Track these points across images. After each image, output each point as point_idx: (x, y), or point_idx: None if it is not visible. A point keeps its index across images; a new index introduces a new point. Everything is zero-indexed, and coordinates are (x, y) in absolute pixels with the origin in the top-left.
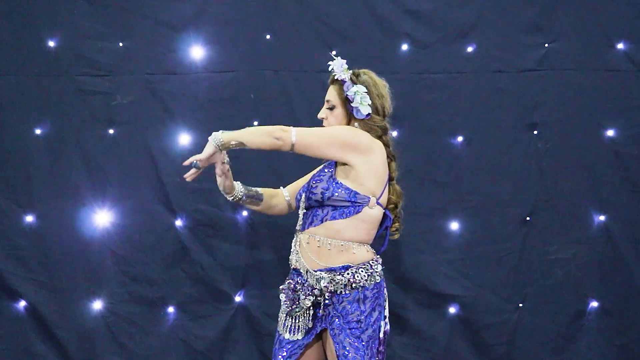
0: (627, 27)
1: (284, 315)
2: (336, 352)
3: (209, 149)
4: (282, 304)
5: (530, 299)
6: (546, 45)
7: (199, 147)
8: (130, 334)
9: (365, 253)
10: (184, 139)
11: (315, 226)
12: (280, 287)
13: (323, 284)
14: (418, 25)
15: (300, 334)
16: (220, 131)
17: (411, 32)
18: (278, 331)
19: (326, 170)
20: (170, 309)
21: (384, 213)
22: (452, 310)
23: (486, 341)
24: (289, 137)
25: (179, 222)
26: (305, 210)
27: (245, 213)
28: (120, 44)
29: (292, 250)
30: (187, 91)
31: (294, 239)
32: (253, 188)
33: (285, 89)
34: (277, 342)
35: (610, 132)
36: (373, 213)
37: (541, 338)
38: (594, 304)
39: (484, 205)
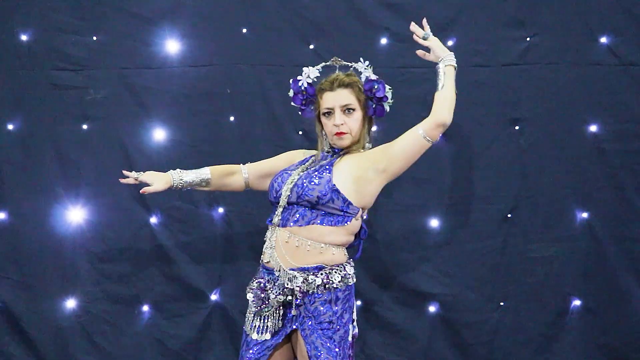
0: (611, 20)
1: (252, 315)
2: (308, 353)
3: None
4: (250, 303)
5: (512, 298)
6: (528, 39)
7: (174, 143)
8: (104, 333)
9: (341, 256)
10: (159, 134)
11: (299, 226)
12: (249, 286)
13: (296, 283)
14: (397, 18)
15: (268, 334)
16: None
17: (390, 26)
18: (245, 332)
19: (324, 174)
20: (145, 308)
21: (361, 225)
22: (432, 309)
23: (467, 340)
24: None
25: (153, 219)
26: (286, 205)
27: (221, 210)
28: (95, 38)
29: (266, 245)
30: (162, 85)
31: (269, 232)
32: (196, 173)
33: (261, 83)
34: (245, 343)
35: (593, 128)
36: (357, 223)
37: (523, 337)
38: (577, 302)
39: (464, 202)
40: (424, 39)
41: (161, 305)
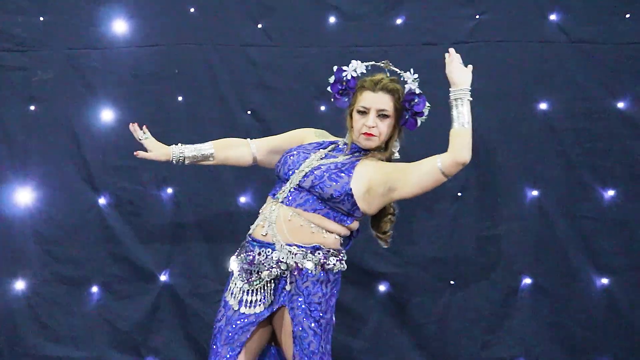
0: None
1: (239, 289)
2: (294, 333)
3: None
4: (235, 276)
5: (462, 277)
6: (477, 16)
7: (121, 123)
8: (53, 315)
9: (338, 243)
10: (107, 115)
11: (304, 210)
12: (234, 258)
13: (295, 259)
14: None
15: (261, 306)
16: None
17: (339, 5)
18: (228, 306)
19: (343, 175)
20: (94, 289)
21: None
22: (382, 288)
23: (417, 319)
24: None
25: (102, 201)
26: (296, 187)
27: (170, 190)
28: (41, 18)
29: (262, 217)
30: (109, 66)
31: (269, 206)
32: (198, 149)
33: (209, 63)
34: (224, 317)
35: (543, 106)
36: (356, 224)
37: (473, 316)
38: (527, 280)
39: None
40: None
41: (110, 286)
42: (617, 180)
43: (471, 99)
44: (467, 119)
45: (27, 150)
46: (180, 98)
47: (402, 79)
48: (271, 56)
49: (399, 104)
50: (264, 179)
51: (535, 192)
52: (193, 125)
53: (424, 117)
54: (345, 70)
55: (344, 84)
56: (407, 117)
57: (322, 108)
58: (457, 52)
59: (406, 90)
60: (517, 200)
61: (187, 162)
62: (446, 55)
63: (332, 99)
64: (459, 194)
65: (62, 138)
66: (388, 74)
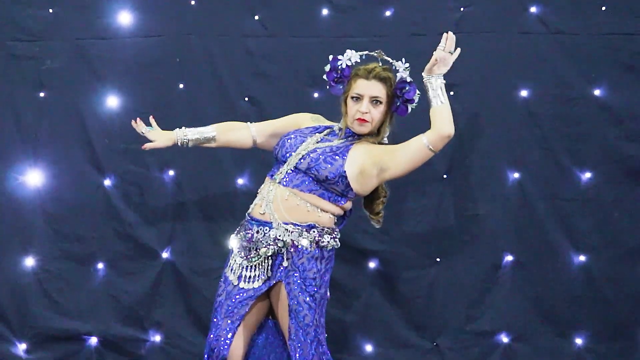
0: None
1: (238, 265)
2: (289, 305)
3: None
4: (235, 252)
5: (447, 254)
6: (462, 9)
7: (126, 109)
8: (61, 290)
9: (332, 222)
10: (112, 101)
11: (300, 190)
12: (234, 236)
13: (292, 237)
14: None
15: (259, 281)
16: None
17: None
18: (228, 282)
19: (338, 158)
20: (100, 265)
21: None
22: (372, 265)
23: (405, 295)
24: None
25: (107, 182)
26: (293, 169)
27: (171, 173)
28: (50, 10)
29: (260, 197)
30: (115, 55)
31: (267, 186)
32: (200, 132)
33: (209, 52)
34: (224, 292)
35: (524, 93)
36: (350, 204)
37: (458, 291)
38: (509, 257)
39: None
40: (450, 53)
41: (115, 263)
42: (594, 163)
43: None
44: (443, 96)
45: (37, 134)
46: (181, 85)
47: (394, 67)
48: (267, 46)
49: (391, 91)
50: (260, 162)
51: (516, 175)
52: (193, 111)
53: (414, 104)
54: (340, 59)
55: (339, 72)
56: (398, 103)
57: (316, 95)
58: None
59: (398, 78)
60: (499, 182)
61: (190, 144)
62: (446, 43)
63: (328, 87)
64: (445, 175)
65: (70, 123)
66: (381, 63)
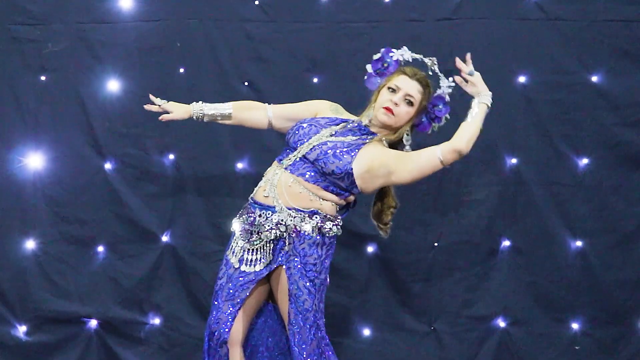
0: None
1: (240, 248)
2: (289, 289)
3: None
4: (237, 235)
5: (445, 239)
6: None
7: (127, 93)
8: (61, 272)
9: (334, 210)
10: (113, 85)
11: (305, 180)
12: (236, 219)
13: (293, 222)
14: None
15: (261, 264)
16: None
17: None
18: (229, 265)
19: (346, 155)
20: (100, 248)
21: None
22: (371, 249)
23: (403, 279)
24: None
25: (108, 165)
26: (302, 158)
27: (171, 156)
28: None
29: (265, 180)
30: (116, 39)
31: (273, 170)
32: (217, 108)
33: (209, 37)
34: (225, 275)
35: (522, 79)
36: (352, 197)
37: (455, 275)
38: (506, 243)
39: None
40: (470, 74)
41: (115, 246)
42: (591, 149)
43: (489, 105)
44: (476, 117)
45: (38, 117)
46: (181, 70)
47: (438, 78)
48: (267, 31)
49: (425, 101)
50: (260, 146)
51: (514, 160)
52: (193, 95)
53: (439, 125)
54: (393, 52)
55: (385, 65)
56: (423, 119)
57: (315, 80)
58: (441, 28)
59: (436, 93)
60: (497, 167)
61: (206, 119)
62: (463, 74)
63: (366, 77)
64: None
65: (70, 106)
66: (430, 73)
